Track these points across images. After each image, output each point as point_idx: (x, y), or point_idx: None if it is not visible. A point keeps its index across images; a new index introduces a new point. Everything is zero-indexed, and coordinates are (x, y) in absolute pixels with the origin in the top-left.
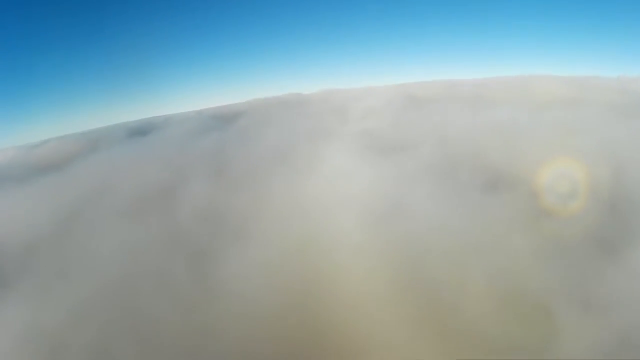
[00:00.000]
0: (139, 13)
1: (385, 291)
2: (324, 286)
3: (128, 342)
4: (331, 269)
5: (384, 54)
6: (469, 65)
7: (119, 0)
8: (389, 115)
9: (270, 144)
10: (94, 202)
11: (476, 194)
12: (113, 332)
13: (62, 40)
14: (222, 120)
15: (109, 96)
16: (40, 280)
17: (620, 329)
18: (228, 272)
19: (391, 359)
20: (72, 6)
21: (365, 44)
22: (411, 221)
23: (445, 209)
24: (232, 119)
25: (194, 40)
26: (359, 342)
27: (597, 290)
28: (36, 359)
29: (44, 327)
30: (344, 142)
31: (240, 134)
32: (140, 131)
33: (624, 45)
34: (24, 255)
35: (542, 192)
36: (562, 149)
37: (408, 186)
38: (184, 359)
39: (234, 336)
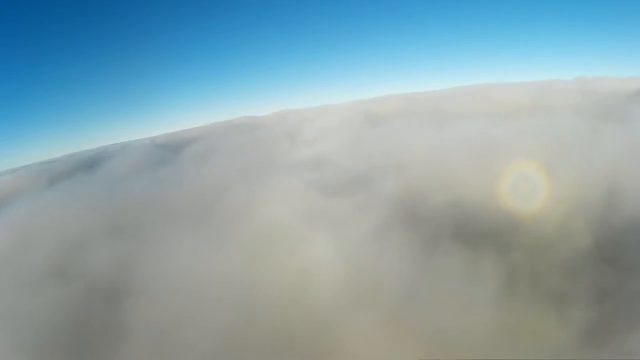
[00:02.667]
0: (97, 37)
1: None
2: None
3: None
4: None
5: (340, 69)
6: (422, 77)
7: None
8: (344, 136)
9: (207, 182)
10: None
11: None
12: None
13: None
14: (172, 149)
15: (73, 121)
16: None
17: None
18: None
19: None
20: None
21: (322, 60)
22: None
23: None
24: (182, 147)
25: (157, 63)
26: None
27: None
28: None
29: None
30: (287, 180)
31: (177, 172)
32: (90, 163)
33: (578, 46)
34: None
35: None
36: (537, 158)
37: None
38: None
39: None
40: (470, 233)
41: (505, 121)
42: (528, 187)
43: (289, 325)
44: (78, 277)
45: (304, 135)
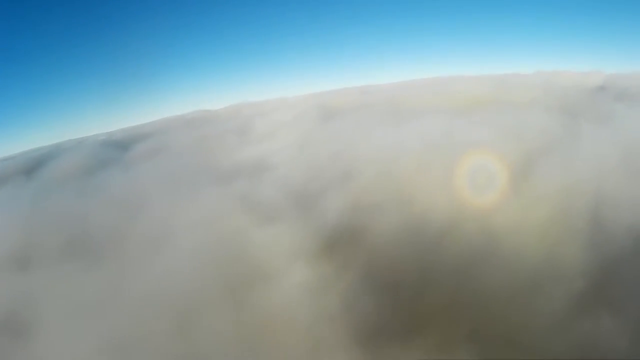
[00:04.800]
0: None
1: None
2: None
3: None
4: None
5: (298, 62)
6: (379, 69)
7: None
8: (294, 133)
9: (130, 195)
10: None
11: None
12: None
13: None
14: (123, 147)
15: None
16: None
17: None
18: None
19: None
20: None
21: (280, 52)
22: None
23: None
24: (133, 144)
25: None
26: None
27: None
28: None
29: None
30: (218, 195)
31: (109, 180)
32: (30, 167)
33: (536, 40)
34: None
35: None
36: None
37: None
38: None
39: None
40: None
41: (468, 116)
42: (498, 197)
43: None
44: None
45: (254, 132)
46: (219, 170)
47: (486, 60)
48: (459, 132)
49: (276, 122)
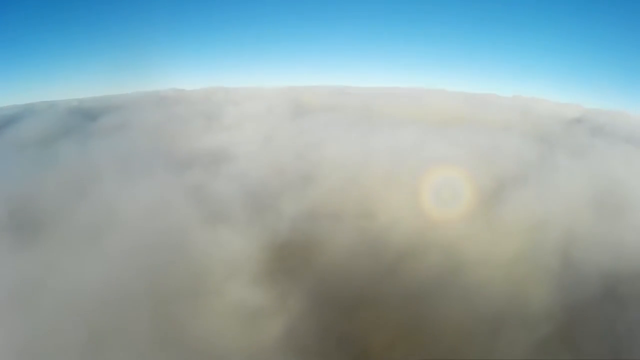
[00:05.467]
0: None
1: None
2: None
3: None
4: None
5: (282, 52)
6: (360, 72)
7: None
8: (262, 126)
9: (82, 171)
10: None
11: None
12: None
13: None
14: (91, 116)
15: None
16: None
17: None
18: None
19: None
20: None
21: (265, 40)
22: None
23: None
24: (101, 115)
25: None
26: None
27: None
28: None
29: None
30: (172, 181)
31: (65, 151)
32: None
33: (517, 65)
34: None
35: None
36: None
37: None
38: None
39: None
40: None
41: (441, 132)
42: (465, 223)
43: None
44: None
45: (221, 119)
46: (177, 155)
47: (464, 76)
48: (430, 147)
49: (246, 112)
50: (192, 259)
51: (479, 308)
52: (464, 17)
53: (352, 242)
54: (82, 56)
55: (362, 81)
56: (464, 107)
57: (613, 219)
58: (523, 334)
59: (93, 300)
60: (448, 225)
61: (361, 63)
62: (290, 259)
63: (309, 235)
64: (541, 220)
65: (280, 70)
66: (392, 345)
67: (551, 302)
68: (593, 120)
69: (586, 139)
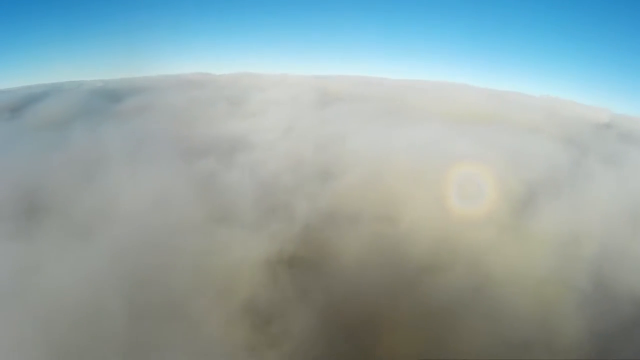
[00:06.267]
0: None
1: None
2: None
3: None
4: None
5: (312, 39)
6: (388, 63)
7: None
8: (284, 114)
9: (91, 155)
10: None
11: None
12: None
13: None
14: (116, 97)
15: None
16: None
17: None
18: None
19: None
20: None
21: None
22: None
23: None
24: (126, 96)
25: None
26: None
27: None
28: None
29: None
30: (182, 171)
31: (83, 134)
32: (20, 105)
33: (548, 65)
34: None
35: None
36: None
37: None
38: None
39: None
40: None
41: (468, 130)
42: (492, 232)
43: None
44: None
45: (246, 105)
46: (193, 141)
47: (490, 73)
48: (455, 145)
49: (270, 99)
50: (189, 260)
51: (504, 331)
52: (493, 13)
53: (368, 249)
54: (111, 37)
55: (388, 73)
56: (490, 104)
57: None
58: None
59: (76, 300)
60: (474, 235)
61: (388, 55)
62: (299, 266)
63: (321, 240)
64: (573, 234)
65: (308, 58)
66: None
67: (581, 328)
68: (622, 126)
69: (618, 146)
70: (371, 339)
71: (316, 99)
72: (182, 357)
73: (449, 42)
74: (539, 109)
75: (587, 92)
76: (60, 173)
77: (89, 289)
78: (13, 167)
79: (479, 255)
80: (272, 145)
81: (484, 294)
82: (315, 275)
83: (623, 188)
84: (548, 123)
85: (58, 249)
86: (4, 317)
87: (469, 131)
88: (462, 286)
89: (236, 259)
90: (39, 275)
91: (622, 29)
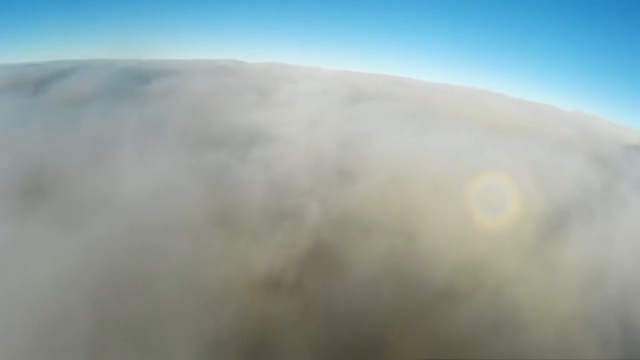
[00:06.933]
0: None
1: None
2: None
3: None
4: None
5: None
6: (420, 65)
7: None
8: (310, 109)
9: (101, 134)
10: None
11: None
12: None
13: None
14: (143, 78)
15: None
16: None
17: None
18: None
19: None
20: None
21: (335, 25)
22: None
23: None
24: (154, 78)
25: None
26: None
27: None
28: None
29: None
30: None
31: (102, 114)
32: (45, 80)
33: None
34: None
35: None
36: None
37: None
38: None
39: None
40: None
41: (499, 140)
42: (519, 257)
43: None
44: None
45: (273, 95)
46: (211, 130)
47: (524, 83)
48: (487, 155)
49: (298, 91)
50: (175, 267)
51: None
52: (529, 24)
53: (380, 267)
54: (145, 18)
55: (421, 75)
56: (524, 115)
57: None
58: None
59: (42, 300)
60: (498, 259)
61: (423, 56)
62: (301, 286)
63: (329, 253)
64: (602, 267)
65: (341, 54)
66: None
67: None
68: None
69: None
70: None
71: (346, 94)
72: None
73: (478, 47)
74: (571, 124)
75: (613, 109)
76: (65, 154)
77: (59, 289)
78: (20, 143)
79: (501, 284)
80: (293, 139)
81: (506, 328)
82: (317, 296)
83: None
84: (580, 140)
85: (42, 237)
86: None
87: (501, 142)
88: (482, 317)
89: (229, 272)
90: (12, 265)
91: None
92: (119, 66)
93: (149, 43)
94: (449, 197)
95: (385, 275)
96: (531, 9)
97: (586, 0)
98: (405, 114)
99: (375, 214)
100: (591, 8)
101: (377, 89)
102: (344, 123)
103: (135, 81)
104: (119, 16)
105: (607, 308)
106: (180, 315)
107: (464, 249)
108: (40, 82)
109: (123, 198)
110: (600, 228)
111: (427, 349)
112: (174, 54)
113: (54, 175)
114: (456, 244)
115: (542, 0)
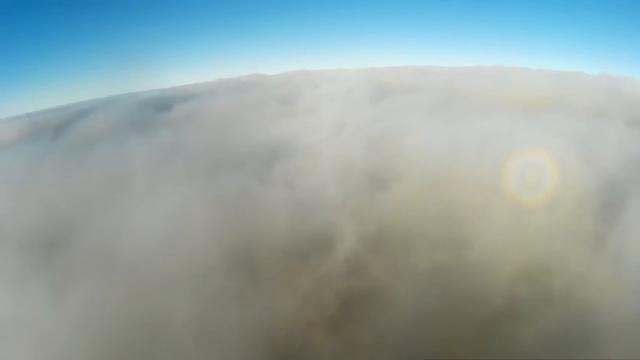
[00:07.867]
0: None
1: None
2: None
3: None
4: None
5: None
6: (442, 51)
7: None
8: (337, 112)
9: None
10: None
11: None
12: None
13: None
14: (164, 106)
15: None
16: None
17: None
18: None
19: None
20: None
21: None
22: None
23: None
24: (170, 105)
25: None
26: None
27: None
28: None
29: None
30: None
31: (116, 151)
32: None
33: (605, 42)
34: None
35: None
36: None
37: None
38: None
39: None
40: None
41: (534, 118)
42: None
43: None
44: None
45: (297, 103)
46: (230, 151)
47: (546, 52)
48: (527, 139)
49: (322, 96)
50: (187, 320)
51: None
52: None
53: (426, 288)
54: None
55: (444, 60)
56: (550, 87)
57: None
58: None
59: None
60: (562, 261)
61: (443, 41)
62: (337, 310)
63: (365, 277)
64: None
65: (363, 51)
66: None
67: None
68: None
69: None
70: None
71: (371, 91)
72: None
73: (503, 25)
74: (601, 89)
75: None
76: (77, 202)
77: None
78: (33, 194)
79: (570, 289)
80: (319, 148)
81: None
82: (359, 334)
83: None
84: (614, 104)
85: (52, 293)
86: None
87: (537, 119)
88: (553, 335)
89: (250, 320)
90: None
91: None
92: (140, 98)
93: (170, 70)
94: (494, 192)
95: (432, 298)
96: None
97: None
98: (433, 104)
99: (415, 224)
100: None
101: (402, 82)
102: (371, 123)
103: (155, 110)
104: (140, 48)
105: None
106: None
107: (521, 252)
108: (60, 125)
109: (130, 249)
110: None
111: None
112: (197, 77)
113: (65, 227)
114: (511, 247)
115: None
